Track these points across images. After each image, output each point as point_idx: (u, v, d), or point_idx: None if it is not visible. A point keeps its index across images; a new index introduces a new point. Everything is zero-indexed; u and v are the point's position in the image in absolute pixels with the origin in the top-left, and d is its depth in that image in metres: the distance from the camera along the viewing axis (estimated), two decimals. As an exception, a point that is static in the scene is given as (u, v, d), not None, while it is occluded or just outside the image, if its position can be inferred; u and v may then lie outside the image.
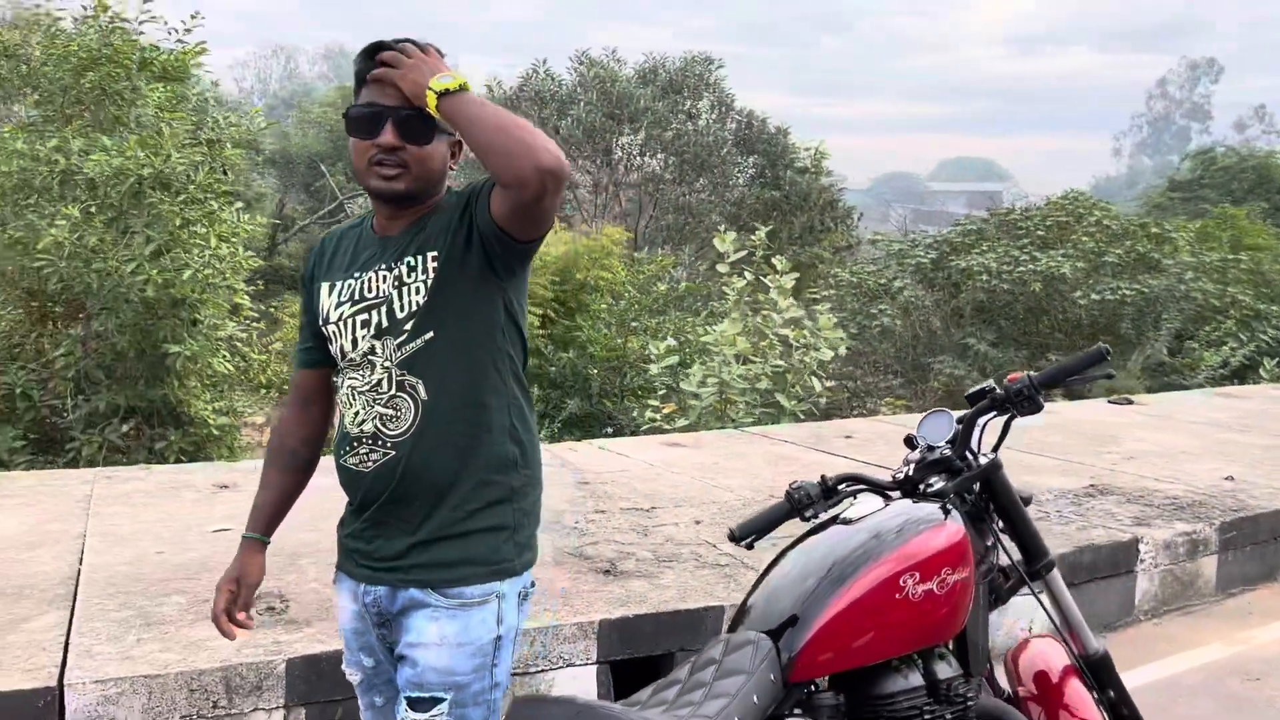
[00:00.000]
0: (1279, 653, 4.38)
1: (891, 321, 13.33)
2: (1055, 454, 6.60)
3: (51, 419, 7.69)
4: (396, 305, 1.82)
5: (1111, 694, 2.28)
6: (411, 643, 1.82)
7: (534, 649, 3.46)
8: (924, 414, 2.35)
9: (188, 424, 7.81)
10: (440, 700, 1.79)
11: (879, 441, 6.94)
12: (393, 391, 1.83)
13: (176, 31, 8.40)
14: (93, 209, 6.88)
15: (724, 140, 19.93)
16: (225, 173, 7.33)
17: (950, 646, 2.13)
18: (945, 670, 2.00)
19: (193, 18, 8.34)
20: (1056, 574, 2.27)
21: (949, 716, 1.96)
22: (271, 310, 12.30)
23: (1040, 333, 13.47)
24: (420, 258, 1.83)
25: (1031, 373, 2.19)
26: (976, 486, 2.21)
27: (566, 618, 3.55)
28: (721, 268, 8.27)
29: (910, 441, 2.30)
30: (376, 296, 1.85)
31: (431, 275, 1.81)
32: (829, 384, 7.84)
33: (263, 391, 9.02)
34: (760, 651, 1.82)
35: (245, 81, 73.04)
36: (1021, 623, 4.08)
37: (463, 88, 1.71)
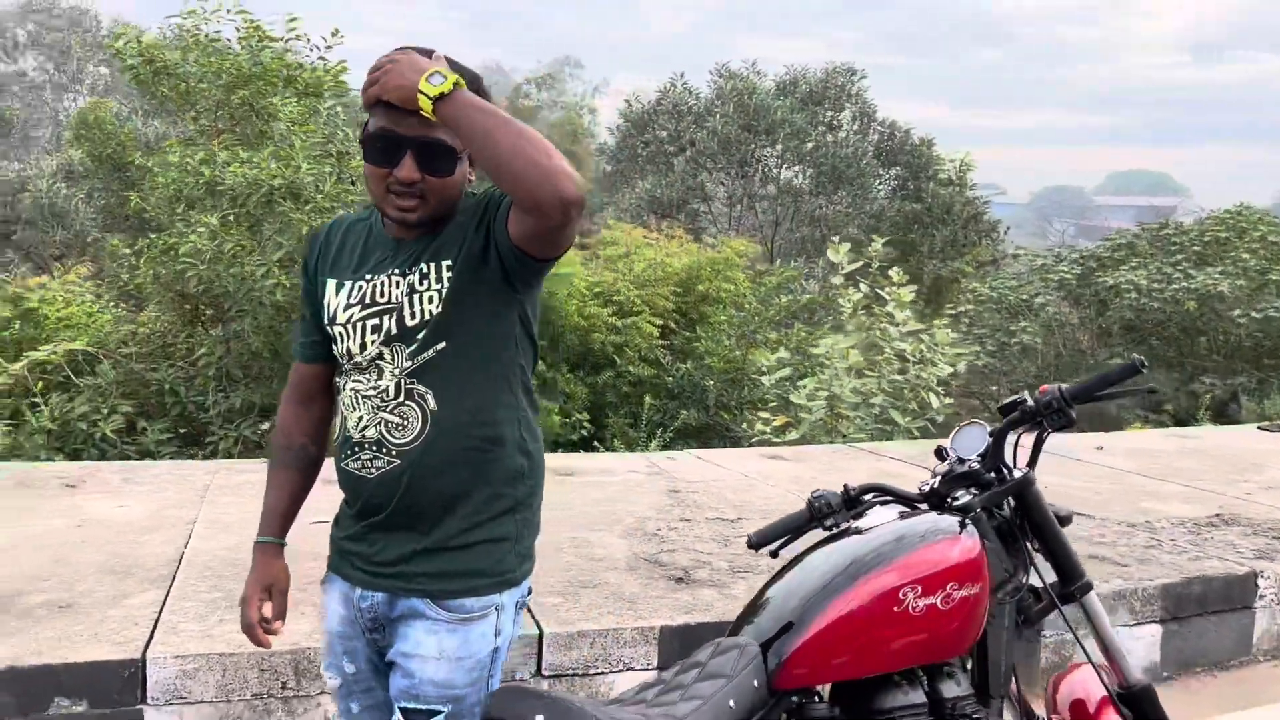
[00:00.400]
0: None
1: (1032, 339, 12.81)
2: (1184, 480, 6.22)
3: (195, 415, 8.20)
4: (408, 313, 1.78)
5: None
6: (407, 653, 1.80)
7: (594, 650, 3.49)
8: (958, 425, 2.27)
9: (317, 423, 8.20)
10: (437, 713, 1.78)
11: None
12: (400, 399, 1.80)
13: (319, 49, 8.89)
14: (230, 217, 7.34)
15: (864, 152, 19.60)
16: (354, 183, 7.69)
17: (969, 666, 2.05)
18: (952, 689, 1.94)
19: (334, 34, 8.80)
20: (1094, 597, 2.14)
21: None
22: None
23: (1196, 354, 12.69)
24: (434, 265, 1.79)
25: (1063, 385, 2.09)
26: (1009, 502, 2.13)
27: (628, 622, 3.56)
28: (835, 279, 8.14)
29: (940, 453, 2.22)
30: (388, 302, 1.80)
31: (446, 285, 1.77)
32: (947, 400, 7.59)
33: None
34: (745, 657, 1.79)
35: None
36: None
37: (457, 85, 1.63)
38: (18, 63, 29.69)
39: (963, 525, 2.00)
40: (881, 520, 2.05)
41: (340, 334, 1.86)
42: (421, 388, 1.79)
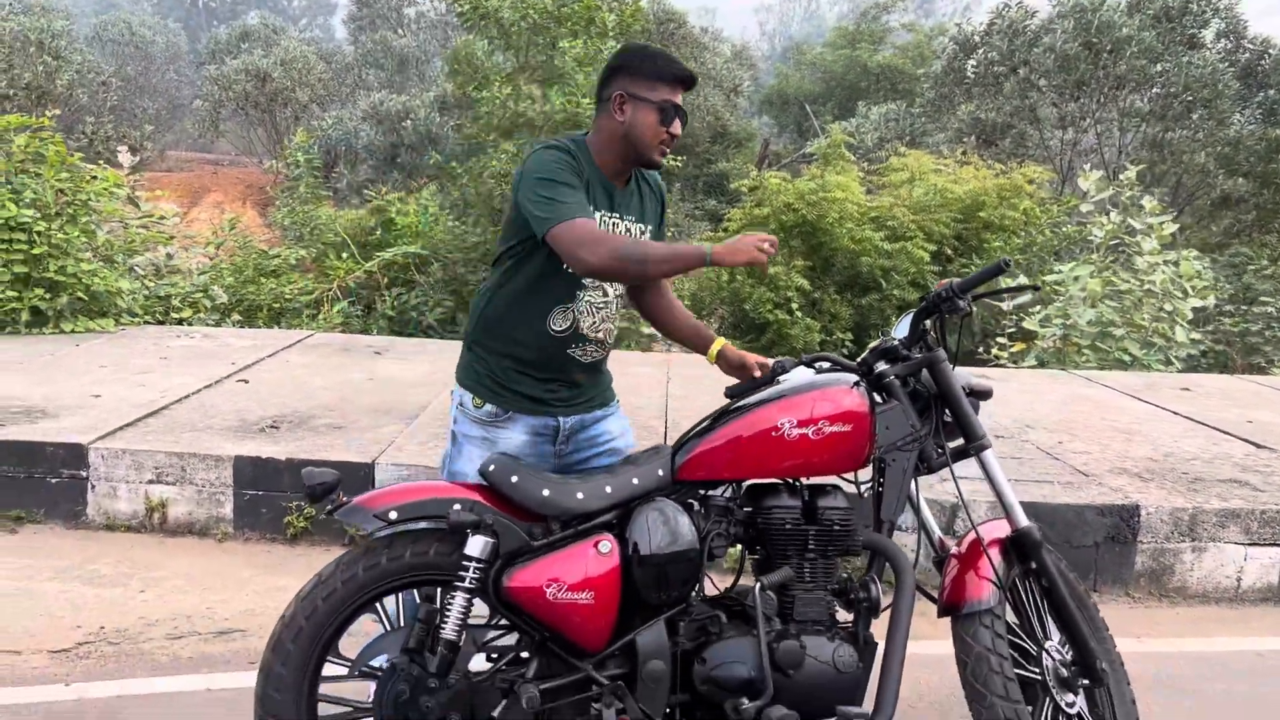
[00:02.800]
0: None
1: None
2: None
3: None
4: None
5: (1033, 565, 2.54)
6: (610, 433, 2.71)
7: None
8: (901, 314, 2.78)
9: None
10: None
11: (1218, 398, 6.53)
12: (613, 313, 2.61)
13: (615, -9, 9.91)
14: (528, 147, 8.64)
15: (1223, 73, 17.73)
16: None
17: (863, 491, 2.56)
18: (826, 501, 2.44)
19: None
20: (989, 455, 2.54)
21: (812, 532, 2.41)
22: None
23: None
24: (641, 226, 2.61)
25: (954, 280, 2.57)
26: (925, 374, 2.59)
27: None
28: (1085, 207, 8.00)
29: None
30: None
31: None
32: (1195, 337, 7.32)
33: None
34: (659, 455, 2.51)
35: (768, 25, 76.61)
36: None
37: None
38: (419, 3, 33.79)
39: (855, 384, 2.48)
40: (801, 378, 2.56)
41: None
42: (619, 307, 2.66)
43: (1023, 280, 7.75)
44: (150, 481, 4.41)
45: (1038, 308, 7.67)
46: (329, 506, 2.26)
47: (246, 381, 5.75)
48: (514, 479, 2.31)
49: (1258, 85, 18.70)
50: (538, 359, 2.58)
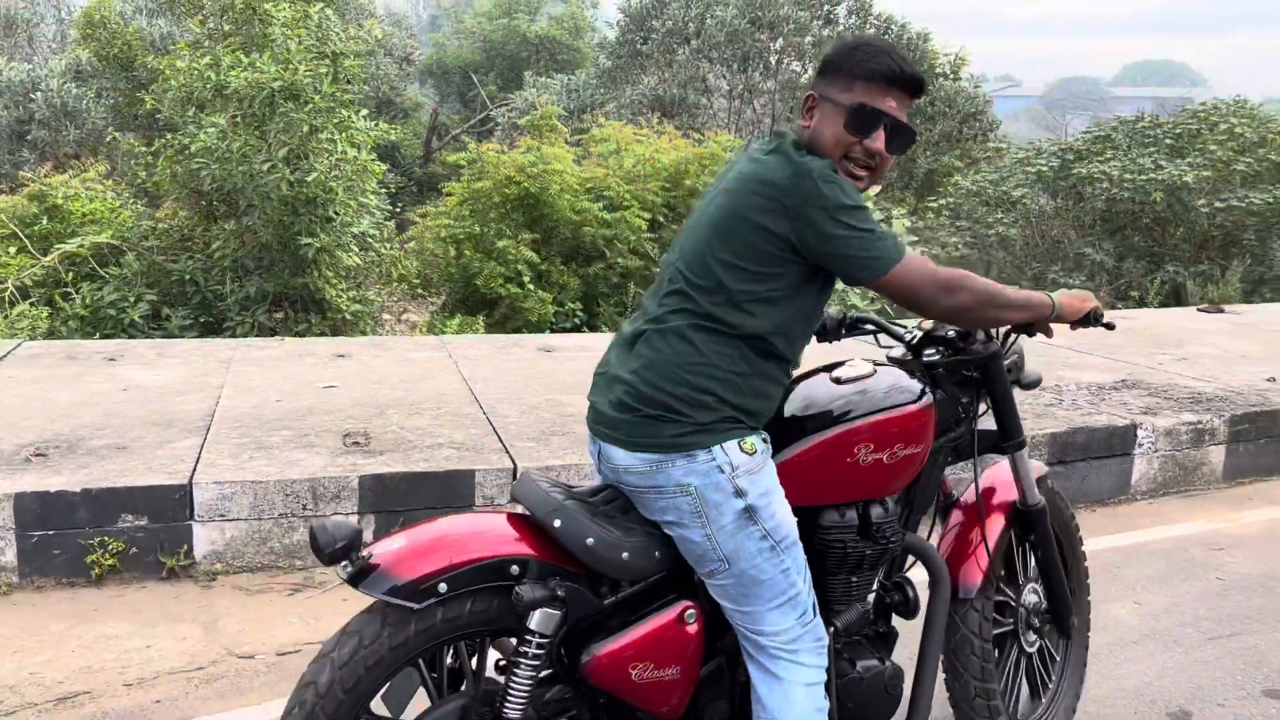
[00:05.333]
0: (1257, 532, 4.74)
1: (1006, 230, 13.31)
2: (1106, 353, 6.89)
3: (214, 303, 8.89)
4: None
5: (1033, 538, 2.65)
6: None
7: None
8: None
9: (327, 309, 8.89)
10: None
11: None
12: None
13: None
14: (237, 118, 7.91)
15: (860, 46, 19.75)
16: (349, 83, 8.20)
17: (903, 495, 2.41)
18: (879, 514, 2.27)
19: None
20: (1024, 454, 2.54)
21: (869, 551, 2.26)
22: (406, 213, 13.31)
23: (1168, 245, 13.21)
24: None
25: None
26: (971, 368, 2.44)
27: (589, 460, 4.27)
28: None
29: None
30: None
31: None
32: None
33: (393, 285, 10.06)
34: None
35: (412, -9, 74.87)
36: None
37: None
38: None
39: (922, 394, 2.29)
40: (860, 373, 2.30)
41: None
42: None
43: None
44: (-99, 536, 3.65)
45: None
46: (348, 571, 1.86)
47: (-31, 405, 4.88)
48: (589, 541, 1.98)
49: (885, 58, 20.96)
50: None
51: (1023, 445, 2.52)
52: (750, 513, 2.00)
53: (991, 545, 2.49)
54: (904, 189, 18.76)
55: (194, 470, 4.00)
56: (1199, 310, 9.04)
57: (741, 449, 2.00)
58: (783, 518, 2.06)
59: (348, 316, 8.84)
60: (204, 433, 4.52)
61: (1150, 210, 12.66)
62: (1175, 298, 11.62)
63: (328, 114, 7.92)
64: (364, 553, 1.87)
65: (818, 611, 2.13)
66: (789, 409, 2.24)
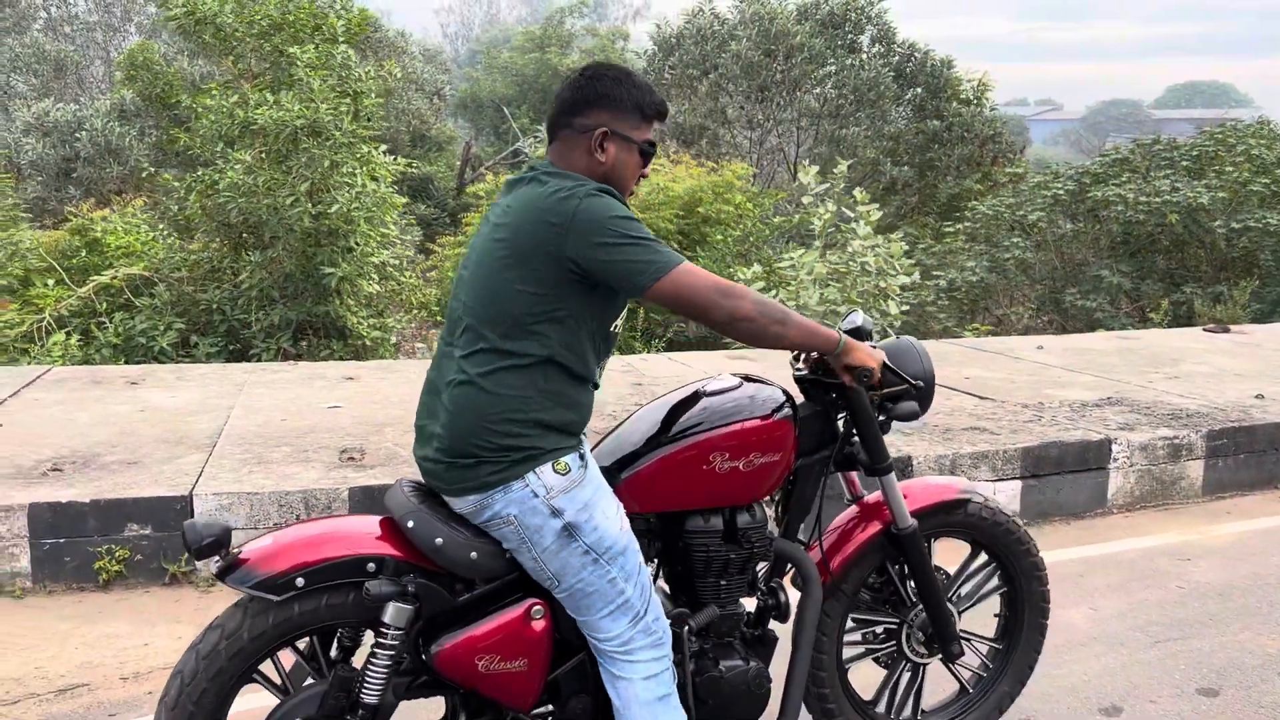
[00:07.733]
0: (1228, 544, 4.82)
1: (1022, 254, 13.39)
2: (1098, 372, 6.99)
3: (240, 330, 9.25)
4: None
5: (903, 560, 2.67)
6: None
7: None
8: (847, 311, 2.89)
9: (348, 336, 9.23)
10: None
11: (935, 360, 7.47)
12: None
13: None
14: (263, 154, 8.30)
15: (883, 74, 19.96)
16: (369, 120, 8.56)
17: (775, 501, 2.56)
18: (745, 520, 2.39)
19: (353, -15, 9.61)
20: (891, 478, 2.59)
21: (734, 555, 2.37)
22: (429, 245, 13.66)
23: (1188, 266, 13.20)
24: None
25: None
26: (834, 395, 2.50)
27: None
28: (806, 199, 8.89)
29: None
30: None
31: None
32: (904, 309, 8.35)
33: (414, 312, 10.39)
34: None
35: (450, 27, 76.19)
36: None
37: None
38: (70, 5, 30.74)
39: (781, 406, 2.39)
40: (726, 385, 2.43)
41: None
42: None
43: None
44: (-75, 543, 3.95)
45: (773, 292, 8.42)
46: (218, 566, 2.04)
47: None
48: (438, 541, 2.12)
49: (907, 84, 21.12)
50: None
51: (889, 470, 2.56)
52: (570, 530, 2.12)
53: (844, 556, 2.57)
54: (926, 213, 18.91)
55: (195, 483, 4.28)
56: (1204, 330, 9.07)
57: (555, 470, 2.12)
58: (606, 529, 2.15)
59: (368, 343, 9.16)
60: (209, 449, 4.80)
61: (1169, 232, 12.68)
62: (1188, 318, 11.62)
63: (348, 149, 8.29)
64: (234, 550, 2.06)
65: (657, 609, 2.23)
66: (648, 421, 2.37)
